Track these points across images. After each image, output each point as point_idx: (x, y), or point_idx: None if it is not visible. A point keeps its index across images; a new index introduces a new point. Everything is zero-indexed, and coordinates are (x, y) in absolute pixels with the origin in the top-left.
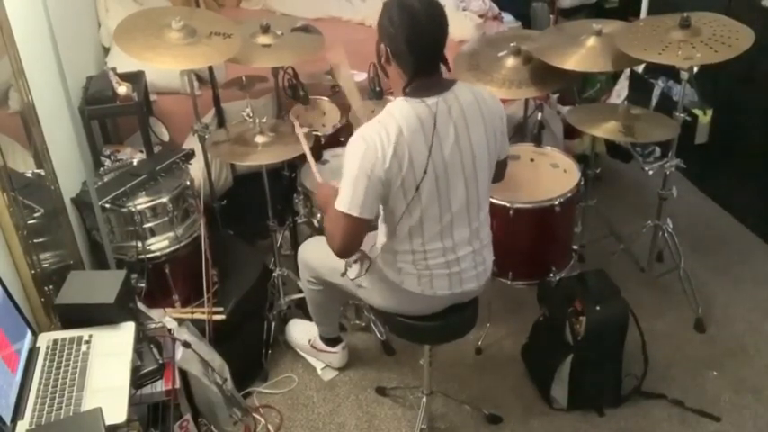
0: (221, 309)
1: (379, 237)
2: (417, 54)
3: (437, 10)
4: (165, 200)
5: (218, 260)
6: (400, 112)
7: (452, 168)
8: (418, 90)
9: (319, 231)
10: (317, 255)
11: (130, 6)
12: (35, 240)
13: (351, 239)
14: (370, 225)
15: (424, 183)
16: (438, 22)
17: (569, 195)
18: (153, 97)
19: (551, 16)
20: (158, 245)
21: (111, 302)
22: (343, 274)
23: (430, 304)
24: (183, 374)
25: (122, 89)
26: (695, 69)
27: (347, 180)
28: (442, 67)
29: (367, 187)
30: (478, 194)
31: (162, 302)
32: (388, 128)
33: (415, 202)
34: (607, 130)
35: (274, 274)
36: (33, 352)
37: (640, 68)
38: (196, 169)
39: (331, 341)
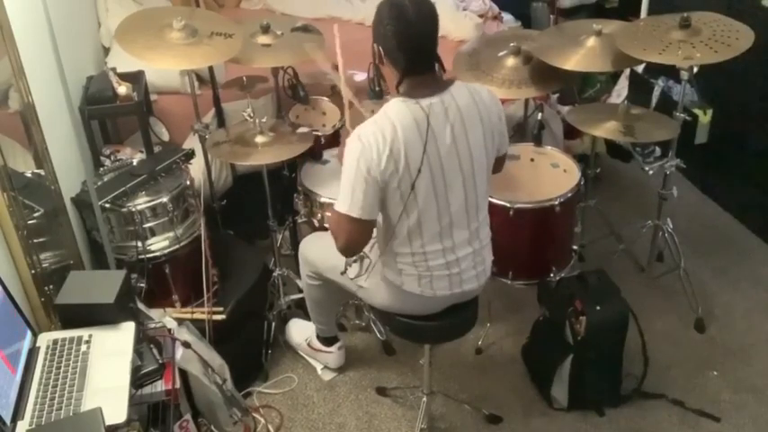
0: (221, 309)
1: (378, 238)
2: (407, 50)
3: (427, 7)
4: (165, 200)
5: (218, 260)
6: (395, 111)
7: (450, 169)
8: (412, 89)
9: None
10: (318, 251)
11: (130, 6)
12: (35, 240)
13: (355, 240)
14: (373, 224)
15: (419, 182)
16: (427, 19)
17: (569, 195)
18: (153, 97)
19: (551, 16)
20: (158, 245)
21: (111, 302)
22: (343, 273)
23: (430, 305)
24: (183, 374)
25: (122, 89)
26: (695, 69)
27: (346, 181)
28: (438, 68)
29: (366, 189)
30: (477, 195)
31: (162, 302)
32: (383, 128)
33: (411, 203)
34: (607, 130)
35: (274, 274)
36: (33, 352)
37: (640, 68)
38: (196, 169)
39: (328, 340)
